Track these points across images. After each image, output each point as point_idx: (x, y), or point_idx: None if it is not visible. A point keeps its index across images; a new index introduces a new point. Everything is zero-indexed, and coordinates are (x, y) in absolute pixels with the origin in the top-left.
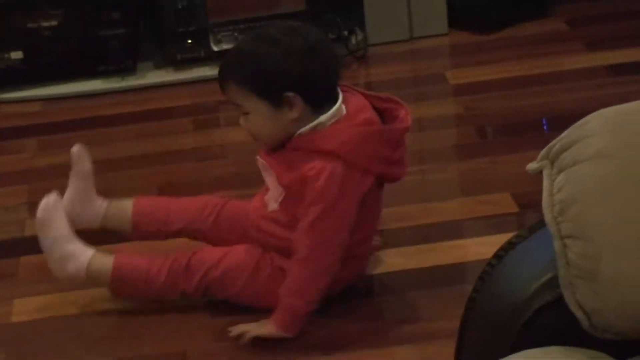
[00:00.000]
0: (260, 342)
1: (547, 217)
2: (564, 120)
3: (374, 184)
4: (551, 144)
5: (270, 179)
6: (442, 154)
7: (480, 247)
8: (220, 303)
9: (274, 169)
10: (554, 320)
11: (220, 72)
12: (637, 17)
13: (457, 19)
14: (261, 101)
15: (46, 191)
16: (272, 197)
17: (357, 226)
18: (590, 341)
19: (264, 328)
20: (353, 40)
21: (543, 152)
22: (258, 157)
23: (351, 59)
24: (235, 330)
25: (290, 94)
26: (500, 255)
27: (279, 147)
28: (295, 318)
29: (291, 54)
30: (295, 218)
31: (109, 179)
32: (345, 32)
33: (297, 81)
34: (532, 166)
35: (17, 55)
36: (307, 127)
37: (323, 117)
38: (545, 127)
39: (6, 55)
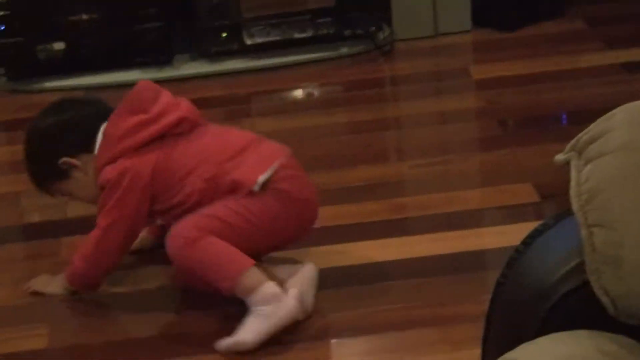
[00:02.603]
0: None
1: (575, 205)
2: (582, 114)
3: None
4: (578, 136)
5: None
6: (464, 146)
7: (501, 236)
8: None
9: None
10: (579, 306)
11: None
12: None
13: (480, 17)
14: (57, 183)
15: None
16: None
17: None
18: (615, 326)
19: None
20: (380, 36)
21: (570, 144)
22: None
23: (378, 54)
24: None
25: (60, 161)
26: (527, 242)
27: None
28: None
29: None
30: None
31: None
32: (373, 28)
33: (56, 148)
34: (559, 158)
35: (59, 46)
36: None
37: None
38: (563, 121)
39: (49, 46)
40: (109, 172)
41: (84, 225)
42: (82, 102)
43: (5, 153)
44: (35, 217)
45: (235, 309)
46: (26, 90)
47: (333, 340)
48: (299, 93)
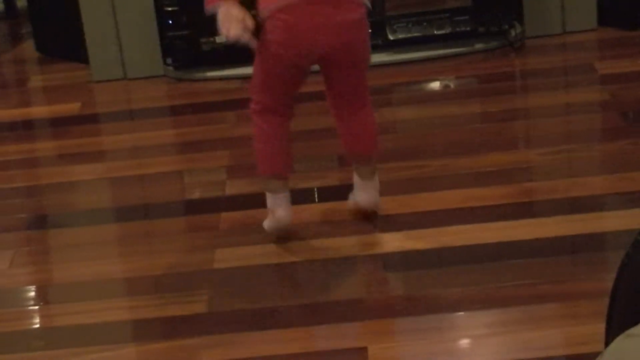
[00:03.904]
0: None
1: None
2: None
3: None
4: None
5: None
6: (588, 136)
7: (621, 219)
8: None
9: None
10: None
11: None
12: None
13: (605, 17)
14: None
15: (244, 157)
16: None
17: None
18: None
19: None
20: (512, 33)
21: None
22: None
23: (509, 50)
24: None
25: None
26: None
27: None
28: None
29: None
30: None
31: (298, 148)
32: (506, 26)
33: None
34: None
35: (221, 39)
36: None
37: None
38: None
39: (211, 39)
40: None
41: (242, 202)
42: None
43: (170, 135)
44: (197, 194)
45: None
46: (190, 78)
47: (465, 313)
48: (436, 85)
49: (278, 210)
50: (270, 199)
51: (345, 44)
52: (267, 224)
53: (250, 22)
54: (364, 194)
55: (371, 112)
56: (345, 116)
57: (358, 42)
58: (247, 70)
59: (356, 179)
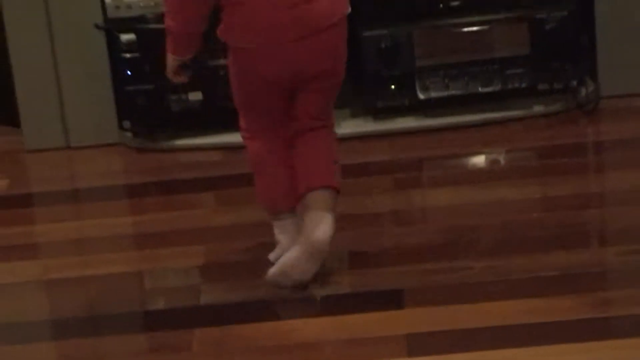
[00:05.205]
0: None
1: None
2: None
3: None
4: None
5: None
6: None
7: None
8: None
9: None
10: None
11: None
12: None
13: None
14: None
15: (225, 253)
16: None
17: None
18: None
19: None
20: (582, 92)
21: None
22: None
23: (579, 113)
24: None
25: None
26: None
27: None
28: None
29: None
30: None
31: None
32: (574, 82)
33: None
34: None
35: (196, 96)
36: None
37: None
38: None
39: (184, 96)
40: None
41: (221, 314)
42: None
43: (127, 224)
44: (162, 304)
45: None
46: (155, 148)
47: None
48: (481, 160)
49: (282, 239)
50: (275, 227)
51: (325, 69)
52: (272, 255)
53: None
54: (314, 229)
55: (332, 134)
56: (300, 139)
57: (339, 57)
58: (231, 137)
59: (305, 213)
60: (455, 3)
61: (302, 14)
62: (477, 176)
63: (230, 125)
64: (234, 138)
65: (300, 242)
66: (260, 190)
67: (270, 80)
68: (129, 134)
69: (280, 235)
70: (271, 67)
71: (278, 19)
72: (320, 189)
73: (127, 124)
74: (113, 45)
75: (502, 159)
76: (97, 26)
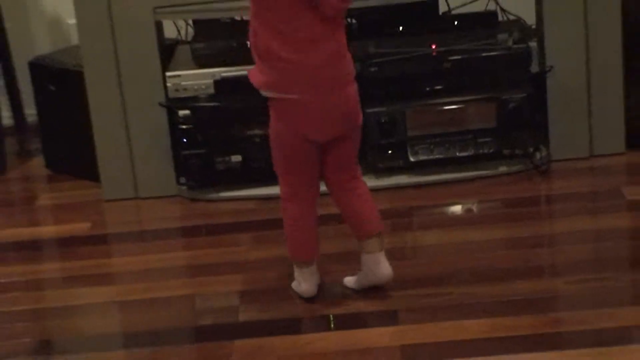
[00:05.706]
0: None
1: None
2: None
3: None
4: None
5: None
6: (617, 264)
7: None
8: None
9: None
10: None
11: None
12: None
13: (634, 139)
14: None
15: (259, 282)
16: None
17: None
18: None
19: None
20: (538, 156)
21: None
22: None
23: (535, 173)
24: None
25: None
26: None
27: None
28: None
29: None
30: None
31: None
32: (531, 149)
33: None
34: None
35: (236, 158)
36: None
37: None
38: None
39: (227, 159)
40: None
41: (256, 329)
42: None
43: (182, 257)
44: (208, 320)
45: None
46: (204, 199)
47: None
48: (458, 208)
49: (303, 284)
50: (297, 271)
51: (356, 119)
52: (295, 285)
53: None
54: (379, 267)
55: (364, 183)
56: (342, 194)
57: (355, 116)
58: (263, 190)
59: (365, 256)
60: (439, 87)
61: (333, 71)
62: (456, 221)
63: (263, 181)
64: (266, 191)
65: (363, 274)
66: (294, 246)
67: (310, 139)
68: (184, 188)
69: (302, 280)
70: (312, 118)
71: (315, 73)
72: (375, 236)
73: (183, 179)
74: (173, 118)
75: (475, 208)
76: (160, 104)
